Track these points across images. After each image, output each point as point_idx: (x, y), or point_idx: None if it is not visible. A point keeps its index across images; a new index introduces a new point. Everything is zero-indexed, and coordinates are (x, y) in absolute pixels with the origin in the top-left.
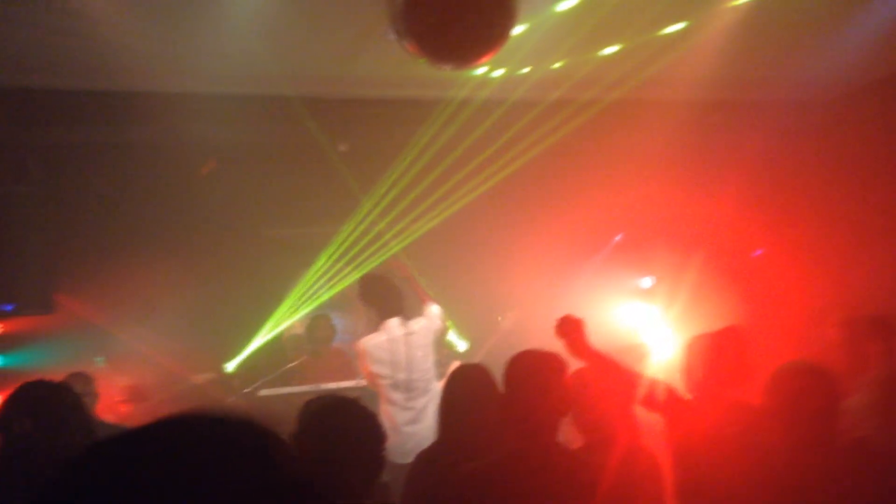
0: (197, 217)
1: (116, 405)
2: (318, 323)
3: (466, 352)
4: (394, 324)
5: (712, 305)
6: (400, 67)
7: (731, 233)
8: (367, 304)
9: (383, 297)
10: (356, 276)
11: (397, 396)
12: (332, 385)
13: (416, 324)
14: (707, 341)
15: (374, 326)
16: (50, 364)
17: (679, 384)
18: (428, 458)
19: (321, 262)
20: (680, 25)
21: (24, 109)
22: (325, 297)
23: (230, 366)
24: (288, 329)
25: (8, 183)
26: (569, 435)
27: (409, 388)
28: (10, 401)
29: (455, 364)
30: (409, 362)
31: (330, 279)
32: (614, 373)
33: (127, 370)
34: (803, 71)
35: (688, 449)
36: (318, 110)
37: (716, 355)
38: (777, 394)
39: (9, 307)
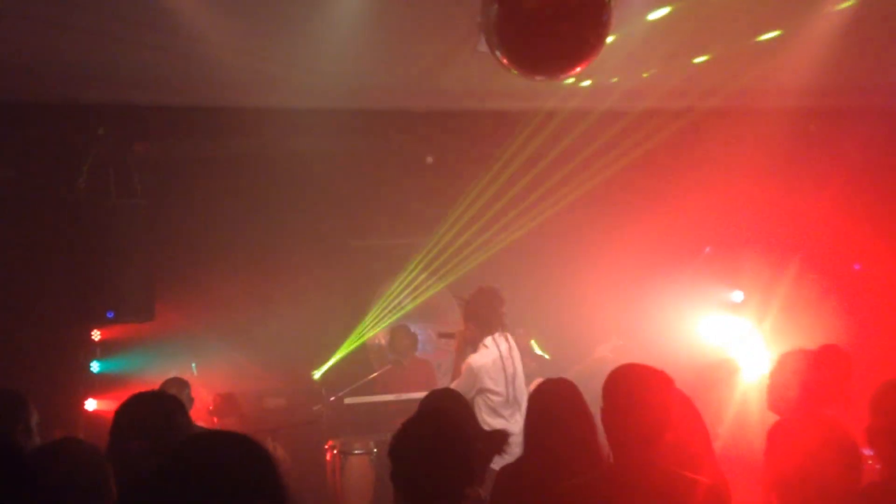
0: (290, 228)
1: (209, 416)
2: (398, 333)
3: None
4: (497, 339)
5: (807, 320)
6: (488, 79)
7: (828, 245)
8: (473, 319)
9: (492, 312)
10: (440, 286)
11: (507, 412)
12: (415, 395)
13: (510, 338)
14: (807, 358)
15: (474, 343)
16: (147, 370)
17: (767, 400)
18: (514, 473)
19: (407, 273)
20: (775, 33)
21: (129, 125)
22: (409, 308)
23: (317, 374)
24: (372, 339)
25: (114, 196)
26: None
27: (513, 402)
28: (125, 418)
29: (538, 380)
30: (514, 377)
31: (415, 290)
32: None
33: (219, 377)
34: None
35: (785, 473)
36: (406, 123)
37: (815, 373)
38: (884, 412)
39: (110, 314)
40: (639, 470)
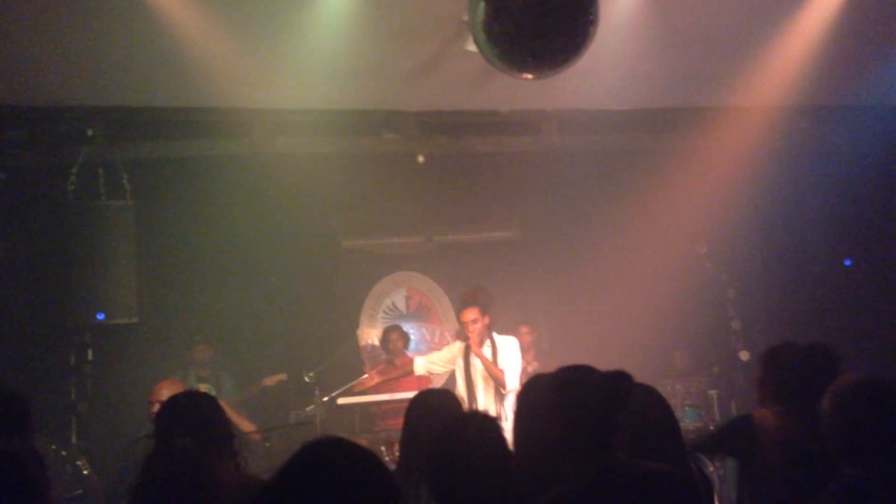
0: (280, 228)
1: None
2: (390, 334)
3: None
4: None
5: (797, 316)
6: (478, 78)
7: (818, 241)
8: (489, 314)
9: None
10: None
11: None
12: (408, 395)
13: None
14: (800, 352)
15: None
16: (137, 372)
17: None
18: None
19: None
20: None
21: (118, 127)
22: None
23: (310, 374)
24: (364, 339)
25: (103, 197)
26: None
27: None
28: (171, 413)
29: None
30: None
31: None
32: None
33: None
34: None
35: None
36: (396, 122)
37: (810, 367)
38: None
39: (100, 315)
40: (628, 470)
